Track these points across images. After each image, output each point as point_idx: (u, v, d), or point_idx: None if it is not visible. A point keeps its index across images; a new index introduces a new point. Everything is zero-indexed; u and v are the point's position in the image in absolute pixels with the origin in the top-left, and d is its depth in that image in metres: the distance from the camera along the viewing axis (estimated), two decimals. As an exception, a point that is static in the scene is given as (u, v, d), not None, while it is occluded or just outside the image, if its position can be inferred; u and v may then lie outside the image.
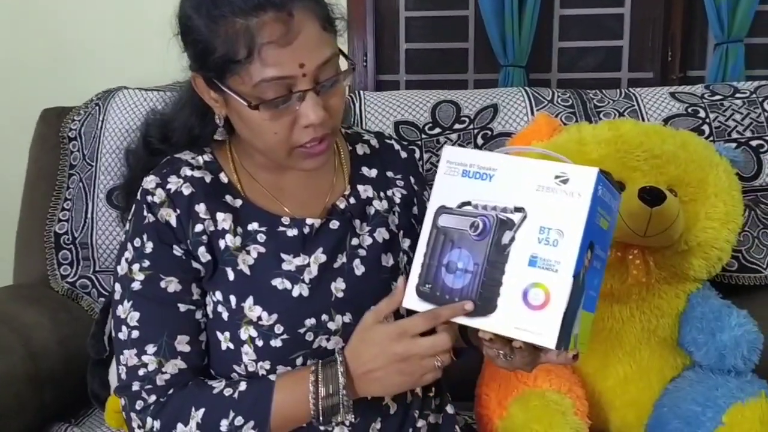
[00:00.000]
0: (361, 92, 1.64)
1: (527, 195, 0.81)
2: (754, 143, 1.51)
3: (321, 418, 0.86)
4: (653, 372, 1.22)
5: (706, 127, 1.52)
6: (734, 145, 1.49)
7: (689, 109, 1.54)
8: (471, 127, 1.55)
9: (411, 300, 0.85)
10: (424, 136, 1.55)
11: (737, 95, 1.57)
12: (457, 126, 1.56)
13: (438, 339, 0.83)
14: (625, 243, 1.19)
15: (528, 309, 0.79)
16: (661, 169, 1.21)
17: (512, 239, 0.81)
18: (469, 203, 0.83)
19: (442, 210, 0.85)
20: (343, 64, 0.91)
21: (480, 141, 1.54)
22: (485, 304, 0.81)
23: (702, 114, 1.53)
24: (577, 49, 2.00)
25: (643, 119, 1.54)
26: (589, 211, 0.78)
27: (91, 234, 1.55)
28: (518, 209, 0.81)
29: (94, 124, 1.61)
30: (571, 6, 1.96)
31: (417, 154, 1.46)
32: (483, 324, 0.81)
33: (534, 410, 1.11)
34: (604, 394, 1.23)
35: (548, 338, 0.78)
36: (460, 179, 0.84)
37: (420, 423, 0.99)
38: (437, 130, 1.56)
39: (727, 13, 1.80)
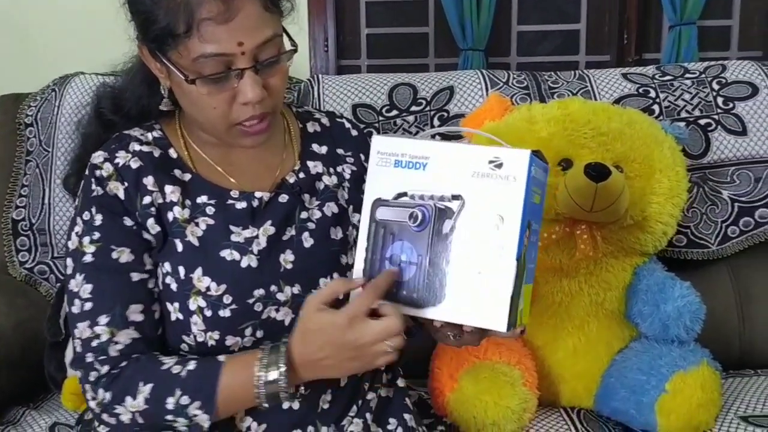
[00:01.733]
0: (320, 76, 1.65)
1: (463, 182, 0.81)
2: (702, 122, 1.54)
3: (266, 403, 0.87)
4: (601, 344, 1.26)
5: (656, 107, 1.55)
6: (683, 123, 1.53)
7: (640, 90, 1.57)
8: (427, 109, 1.57)
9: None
10: (381, 118, 1.56)
11: (687, 75, 1.60)
12: (413, 108, 1.57)
13: (389, 322, 0.82)
14: (573, 218, 1.22)
15: (476, 295, 0.81)
16: (607, 146, 1.24)
17: (453, 228, 0.82)
18: (405, 194, 0.84)
19: (379, 203, 0.85)
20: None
21: (436, 122, 1.55)
22: (433, 294, 0.82)
23: (652, 94, 1.57)
24: (535, 33, 2.03)
25: (595, 100, 1.57)
26: (525, 194, 0.80)
27: (49, 220, 1.54)
28: (456, 197, 0.82)
29: (51, 110, 1.60)
30: (530, -9, 2.00)
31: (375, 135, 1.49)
32: (434, 314, 0.83)
33: (484, 382, 1.14)
34: (554, 367, 1.26)
35: (498, 322, 0.80)
36: (393, 170, 0.84)
37: (370, 395, 1.01)
38: (394, 113, 1.57)
39: (679, -5, 1.85)
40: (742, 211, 1.52)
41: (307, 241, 0.97)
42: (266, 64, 0.88)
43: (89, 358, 0.90)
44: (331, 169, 1.04)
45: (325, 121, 1.10)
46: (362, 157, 1.08)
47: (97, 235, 0.92)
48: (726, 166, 1.53)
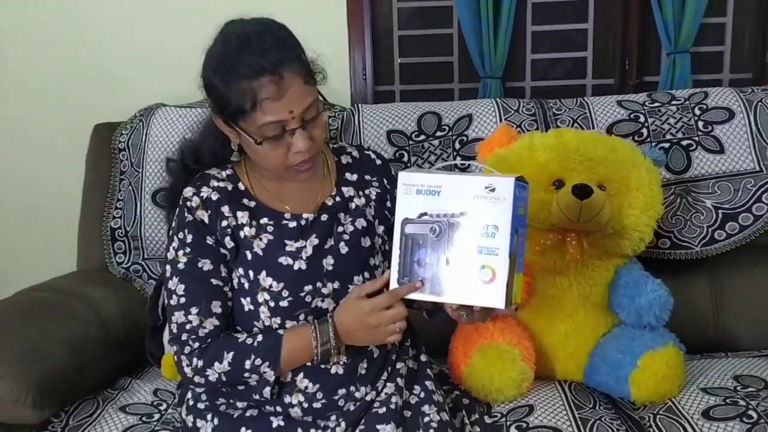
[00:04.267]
0: (360, 105, 1.96)
1: (467, 202, 1.12)
2: (684, 143, 1.81)
3: (319, 359, 1.22)
4: (588, 330, 1.54)
5: (644, 130, 1.82)
6: (667, 144, 1.80)
7: (631, 115, 1.84)
8: (450, 134, 1.87)
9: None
10: (411, 142, 1.87)
11: (673, 102, 1.86)
12: (438, 133, 1.87)
13: (397, 311, 1.17)
14: (565, 228, 1.51)
15: (481, 284, 1.11)
16: (593, 170, 1.52)
17: (462, 236, 1.12)
18: (425, 213, 1.14)
19: (406, 221, 1.15)
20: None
21: (457, 146, 1.85)
22: (450, 284, 1.13)
23: (642, 119, 1.84)
24: (547, 60, 2.29)
25: (593, 124, 1.84)
26: (512, 210, 1.10)
27: (140, 228, 1.89)
28: (462, 213, 1.12)
29: (139, 137, 1.94)
30: (542, 23, 2.26)
31: (402, 163, 1.80)
32: (452, 298, 1.14)
33: (490, 358, 1.44)
34: (550, 348, 1.55)
35: (498, 302, 1.10)
36: (415, 196, 1.15)
37: (399, 365, 1.33)
38: (422, 137, 1.87)
39: (673, 27, 2.09)
40: (726, 217, 1.78)
41: (343, 249, 1.28)
42: (310, 121, 1.20)
43: (184, 336, 1.23)
44: (360, 192, 1.35)
45: (355, 153, 1.41)
46: (384, 181, 1.38)
47: (188, 249, 1.25)
48: (706, 179, 1.79)
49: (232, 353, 1.22)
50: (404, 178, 1.17)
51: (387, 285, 1.19)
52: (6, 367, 1.35)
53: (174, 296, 1.25)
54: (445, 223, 1.13)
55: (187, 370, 1.24)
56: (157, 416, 1.46)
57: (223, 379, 1.23)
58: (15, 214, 2.35)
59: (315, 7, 2.18)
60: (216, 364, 1.22)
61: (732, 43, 2.23)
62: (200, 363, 1.22)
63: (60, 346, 1.46)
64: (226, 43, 1.18)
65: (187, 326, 1.23)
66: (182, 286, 1.24)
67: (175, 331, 1.25)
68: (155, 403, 1.52)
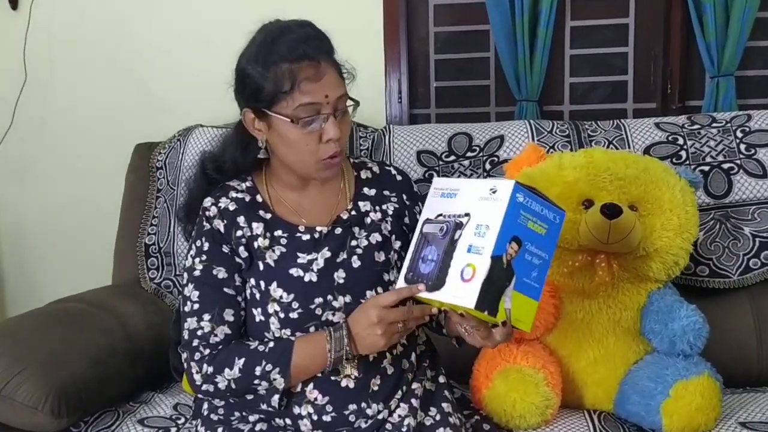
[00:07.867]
0: (391, 126, 1.96)
1: (473, 203, 1.11)
2: (725, 166, 1.74)
3: (331, 366, 1.19)
4: (618, 356, 1.48)
5: (683, 153, 1.76)
6: (707, 167, 1.73)
7: (670, 137, 1.79)
8: (481, 154, 1.84)
9: (401, 284, 1.16)
10: (441, 162, 1.85)
11: (714, 124, 1.80)
12: (469, 154, 1.85)
13: (401, 309, 1.14)
14: (594, 249, 1.46)
15: (462, 282, 1.07)
16: (623, 189, 1.47)
17: (461, 235, 1.10)
18: (441, 214, 1.15)
19: (427, 221, 1.16)
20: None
21: (488, 167, 1.82)
22: (439, 282, 1.10)
23: (681, 141, 1.78)
24: (587, 83, 2.25)
25: (629, 146, 1.79)
26: (507, 210, 1.06)
27: (173, 245, 1.92)
28: (467, 214, 1.11)
29: (177, 156, 1.98)
30: (581, 46, 2.22)
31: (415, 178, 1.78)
32: (435, 296, 1.10)
33: (513, 382, 1.39)
34: (578, 374, 1.49)
35: (469, 301, 1.05)
36: (439, 198, 1.16)
37: (414, 385, 1.29)
38: (452, 158, 1.85)
39: (716, 50, 2.02)
40: (763, 245, 1.70)
41: (356, 263, 1.27)
42: (340, 113, 1.20)
43: (195, 342, 1.24)
44: (377, 207, 1.33)
45: (375, 169, 1.39)
46: (404, 197, 1.37)
47: (204, 257, 1.26)
48: (747, 205, 1.72)
49: (243, 359, 1.21)
50: (436, 182, 1.20)
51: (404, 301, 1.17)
52: (26, 374, 1.38)
53: (188, 303, 1.26)
54: (451, 222, 1.12)
55: (197, 377, 1.24)
56: (174, 430, 1.45)
57: (233, 386, 1.22)
58: (58, 229, 2.43)
59: (352, 29, 2.19)
60: (226, 370, 1.21)
61: (781, 65, 2.15)
62: (210, 369, 1.22)
63: (83, 355, 1.48)
64: (268, 32, 1.21)
65: (199, 332, 1.24)
66: (197, 293, 1.25)
67: (186, 337, 1.25)
68: (174, 417, 1.52)
